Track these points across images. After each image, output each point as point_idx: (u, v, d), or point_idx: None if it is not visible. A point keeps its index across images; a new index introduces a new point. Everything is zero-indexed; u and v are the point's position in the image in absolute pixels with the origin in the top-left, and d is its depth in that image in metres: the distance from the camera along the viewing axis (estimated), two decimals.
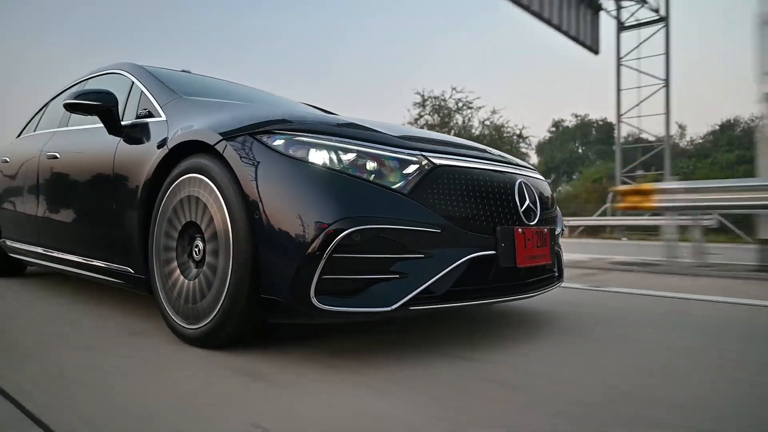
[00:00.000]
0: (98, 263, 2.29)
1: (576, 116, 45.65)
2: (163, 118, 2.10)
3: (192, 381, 1.39)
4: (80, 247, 2.46)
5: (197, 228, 1.76)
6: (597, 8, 15.43)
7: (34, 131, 3.41)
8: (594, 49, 16.26)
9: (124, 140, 2.21)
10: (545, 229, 1.97)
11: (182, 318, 1.76)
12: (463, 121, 23.59)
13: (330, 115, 2.61)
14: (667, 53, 15.74)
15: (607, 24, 20.83)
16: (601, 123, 43.50)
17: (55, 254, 2.68)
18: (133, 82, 2.47)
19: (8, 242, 3.27)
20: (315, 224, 1.48)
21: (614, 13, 15.89)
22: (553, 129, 46.67)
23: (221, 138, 1.69)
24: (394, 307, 1.49)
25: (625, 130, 17.86)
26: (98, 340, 1.81)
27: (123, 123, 2.29)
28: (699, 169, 21.60)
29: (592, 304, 2.81)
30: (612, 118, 17.34)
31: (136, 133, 2.17)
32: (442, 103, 23.50)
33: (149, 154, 1.99)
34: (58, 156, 2.72)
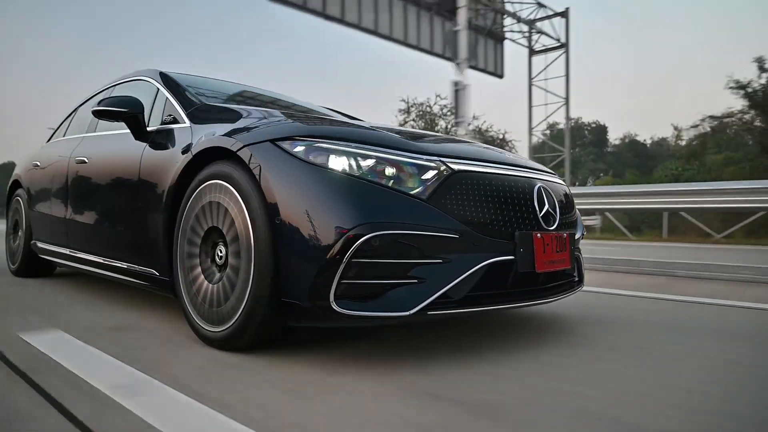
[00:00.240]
0: (124, 265, 2.35)
1: (570, 119, 47.62)
2: (187, 124, 2.15)
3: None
4: (107, 249, 2.54)
5: (220, 233, 1.80)
6: (501, 39, 17.69)
7: (64, 136, 3.52)
8: (498, 74, 18.44)
9: (149, 146, 2.27)
10: (565, 234, 1.96)
11: (205, 321, 1.80)
12: (446, 127, 24.91)
13: (352, 120, 2.64)
14: (567, 75, 18.05)
15: (518, 50, 22.88)
16: (593, 126, 45.15)
17: (83, 256, 2.76)
18: (158, 89, 2.53)
19: (39, 244, 3.38)
20: (334, 229, 1.50)
21: (524, 41, 18.28)
22: (547, 132, 49.33)
23: (243, 145, 1.73)
24: (412, 311, 1.51)
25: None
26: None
27: (149, 129, 2.36)
28: (687, 170, 21.60)
29: None
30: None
31: (162, 139, 2.23)
32: (428, 109, 25.17)
33: (174, 160, 2.05)
34: (87, 161, 2.80)
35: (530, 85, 18.82)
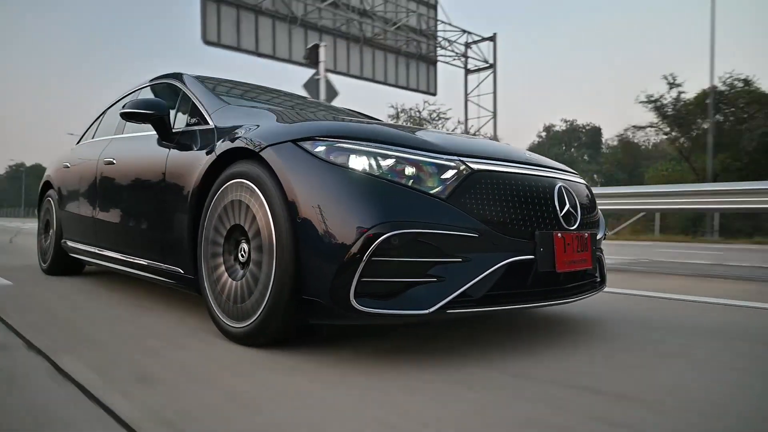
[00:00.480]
0: (151, 263, 2.41)
1: (565, 121, 48.68)
2: (211, 125, 2.20)
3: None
4: (134, 248, 2.60)
5: (243, 231, 1.84)
6: (434, 62, 19.90)
7: (93, 138, 3.62)
8: (432, 92, 20.41)
9: (175, 147, 2.32)
10: (586, 234, 1.95)
11: (228, 317, 1.83)
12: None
13: (372, 121, 2.66)
14: (494, 92, 20.49)
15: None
16: (588, 128, 46.46)
17: (111, 254, 2.84)
18: (183, 91, 2.59)
19: (69, 242, 3.48)
20: (354, 228, 1.52)
21: (459, 62, 20.84)
22: (544, 133, 50.37)
23: (266, 145, 1.76)
24: (431, 310, 1.52)
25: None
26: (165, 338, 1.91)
27: (174, 130, 2.41)
28: (676, 171, 21.76)
29: None
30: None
31: (186, 140, 2.28)
32: (417, 114, 26.82)
33: (198, 161, 2.09)
34: (115, 162, 2.88)
35: (466, 100, 21.27)
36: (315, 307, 1.61)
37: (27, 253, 5.61)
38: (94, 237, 3.06)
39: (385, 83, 18.25)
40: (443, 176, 1.64)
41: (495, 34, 20.55)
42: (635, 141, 30.71)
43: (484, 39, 20.75)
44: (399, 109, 26.96)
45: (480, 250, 1.61)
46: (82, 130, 4.01)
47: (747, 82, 20.38)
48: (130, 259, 2.62)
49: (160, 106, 2.38)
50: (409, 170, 1.63)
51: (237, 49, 14.25)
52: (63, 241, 3.58)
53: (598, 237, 2.17)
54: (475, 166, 1.70)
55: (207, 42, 14.08)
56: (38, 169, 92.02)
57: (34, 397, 1.28)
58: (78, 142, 3.94)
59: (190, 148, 2.22)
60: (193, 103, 2.44)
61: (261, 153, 1.76)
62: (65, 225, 3.55)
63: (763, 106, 18.94)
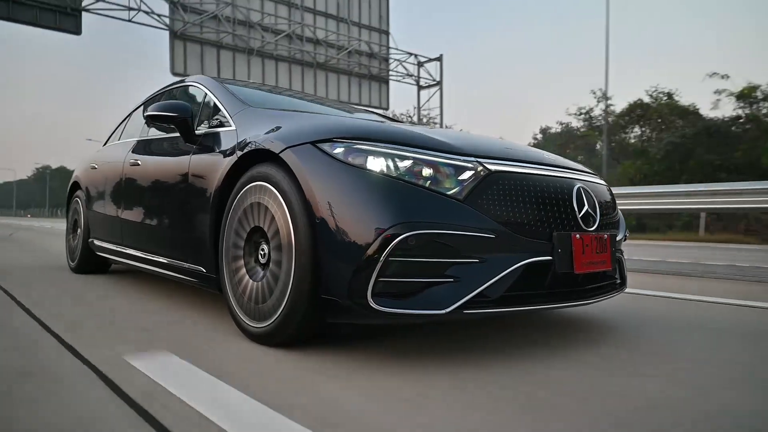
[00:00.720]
0: (174, 262, 2.47)
1: (560, 123, 50.75)
2: (233, 127, 2.24)
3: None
4: (158, 247, 2.67)
5: (263, 233, 1.87)
6: (386, 81, 22.86)
7: (119, 140, 3.71)
8: (384, 107, 22.59)
9: (198, 149, 2.38)
10: (605, 235, 1.93)
11: (249, 317, 1.87)
12: None
13: (391, 122, 2.68)
14: (441, 106, 23.73)
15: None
16: (583, 130, 48.23)
17: (136, 253, 2.91)
18: (206, 94, 2.64)
19: (96, 242, 3.57)
20: (372, 229, 1.54)
21: (410, 80, 24.09)
22: (540, 135, 51.47)
23: (285, 147, 1.79)
24: (448, 310, 1.53)
25: None
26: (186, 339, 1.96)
27: (197, 132, 2.46)
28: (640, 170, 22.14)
29: None
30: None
31: (209, 142, 2.33)
32: (409, 120, 29.04)
33: (220, 162, 2.14)
34: (140, 163, 2.95)
35: (419, 114, 24.74)
36: (333, 306, 1.63)
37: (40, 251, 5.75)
38: (120, 236, 3.14)
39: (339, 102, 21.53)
40: (460, 177, 1.65)
41: (441, 55, 23.90)
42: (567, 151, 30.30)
43: (431, 59, 23.91)
44: (392, 116, 28.85)
45: (497, 250, 1.62)
46: (102, 134, 4.13)
47: (670, 95, 22.78)
48: (154, 257, 2.68)
49: (184, 108, 2.43)
50: (427, 171, 1.64)
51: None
52: (90, 240, 3.68)
53: (618, 238, 2.15)
54: (492, 167, 1.70)
55: (174, 73, 16.53)
56: (63, 172, 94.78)
57: None
58: (105, 144, 4.05)
59: (212, 150, 2.27)
60: (215, 105, 2.49)
61: (280, 155, 1.79)
62: (92, 224, 3.65)
63: (677, 118, 21.77)
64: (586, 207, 1.89)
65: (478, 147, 1.82)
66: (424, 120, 24.66)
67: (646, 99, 22.61)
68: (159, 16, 16.80)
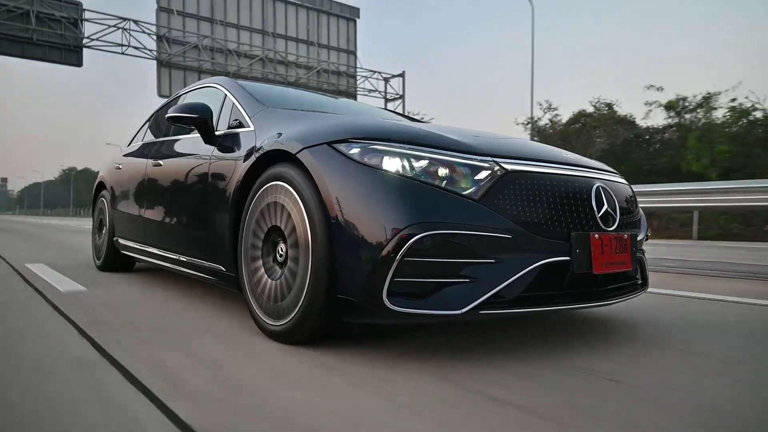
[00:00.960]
0: (195, 261, 2.51)
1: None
2: (252, 128, 2.27)
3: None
4: (179, 246, 2.71)
5: (280, 232, 1.89)
6: (354, 96, 24.82)
7: (142, 141, 3.78)
8: None
9: (218, 149, 2.41)
10: (625, 235, 1.90)
11: (267, 315, 1.89)
12: None
13: (409, 122, 2.67)
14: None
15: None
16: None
17: (158, 252, 2.97)
18: (226, 95, 2.68)
19: (120, 240, 3.65)
20: (388, 229, 1.54)
21: (377, 94, 26.49)
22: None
23: (302, 147, 1.80)
24: (463, 310, 1.53)
25: None
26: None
27: (217, 133, 2.50)
28: None
29: None
30: None
31: (228, 143, 2.36)
32: None
33: (239, 162, 2.17)
34: (162, 164, 3.00)
35: None
36: (349, 306, 1.64)
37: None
38: (143, 235, 3.21)
39: None
40: (476, 177, 1.64)
41: (404, 71, 26.92)
42: None
43: (394, 76, 26.86)
44: None
45: (513, 251, 1.61)
46: (121, 138, 4.23)
47: (610, 105, 24.26)
48: (175, 256, 2.73)
49: (204, 109, 2.47)
50: (443, 171, 1.63)
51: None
52: (115, 239, 3.76)
53: (639, 238, 2.11)
54: (509, 167, 1.69)
55: (161, 95, 19.74)
56: (87, 173, 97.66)
57: None
58: (128, 144, 4.13)
59: (231, 151, 2.30)
60: (235, 106, 2.52)
61: (297, 155, 1.81)
62: (117, 223, 3.73)
63: (620, 127, 22.36)
64: (605, 206, 1.86)
65: (495, 146, 1.81)
66: None
67: (590, 109, 24.59)
68: (148, 49, 20.19)
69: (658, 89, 22.45)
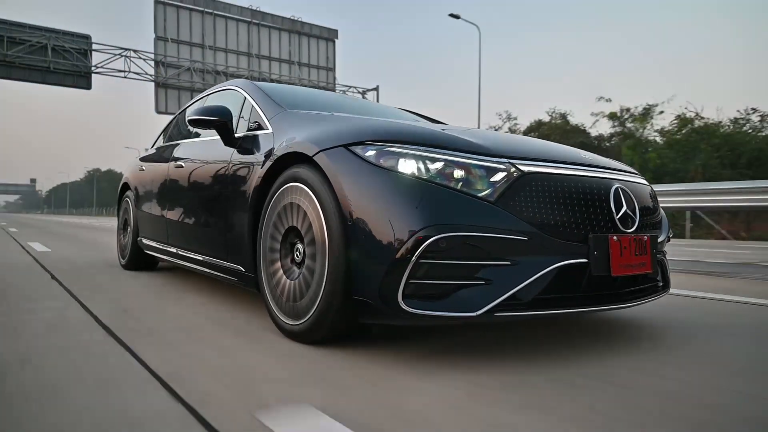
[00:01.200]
0: (215, 261, 2.55)
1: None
2: (270, 130, 2.30)
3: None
4: (200, 247, 2.76)
5: (298, 233, 1.92)
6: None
7: (164, 143, 3.86)
8: None
9: (237, 151, 2.45)
10: (645, 237, 1.88)
11: (285, 314, 1.92)
12: None
13: (427, 123, 2.67)
14: None
15: None
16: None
17: (180, 252, 3.03)
18: (245, 98, 2.72)
19: (144, 240, 3.73)
20: (403, 231, 1.55)
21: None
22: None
23: (319, 150, 1.82)
24: (479, 312, 1.53)
25: None
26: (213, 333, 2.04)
27: (236, 135, 2.54)
28: None
29: None
30: None
31: (248, 144, 2.40)
32: None
33: (258, 164, 2.20)
34: (183, 165, 3.06)
35: None
36: (365, 307, 1.65)
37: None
38: (165, 235, 3.27)
39: None
40: (492, 179, 1.64)
41: (377, 86, 29.03)
42: None
43: (369, 90, 28.80)
44: None
45: (530, 253, 1.60)
46: (139, 142, 4.34)
47: (564, 115, 26.48)
48: (196, 256, 2.78)
49: (224, 112, 2.51)
50: (458, 173, 1.63)
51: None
52: (139, 238, 3.84)
53: (660, 240, 2.08)
54: (525, 169, 1.68)
55: (158, 112, 23.20)
56: (111, 174, 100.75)
57: None
58: (152, 146, 4.22)
59: (250, 152, 2.33)
60: (254, 108, 2.56)
61: (314, 157, 1.83)
62: (141, 224, 3.81)
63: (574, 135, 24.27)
64: (624, 208, 1.84)
65: (511, 148, 1.80)
66: None
67: (546, 118, 26.86)
68: (147, 74, 23.43)
69: (607, 100, 25.24)
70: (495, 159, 1.68)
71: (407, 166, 1.64)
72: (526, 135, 25.82)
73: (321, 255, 1.75)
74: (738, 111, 21.16)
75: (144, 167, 3.90)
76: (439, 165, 1.64)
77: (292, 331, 1.87)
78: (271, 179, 2.11)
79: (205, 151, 2.87)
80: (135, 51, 23.32)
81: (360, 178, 1.69)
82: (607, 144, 24.16)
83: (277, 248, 2.02)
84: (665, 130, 21.28)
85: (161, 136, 4.10)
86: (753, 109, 19.25)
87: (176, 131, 3.74)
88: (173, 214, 3.14)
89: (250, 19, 25.52)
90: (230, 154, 2.48)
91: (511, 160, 1.69)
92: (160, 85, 23.32)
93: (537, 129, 26.43)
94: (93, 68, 22.48)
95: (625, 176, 2.04)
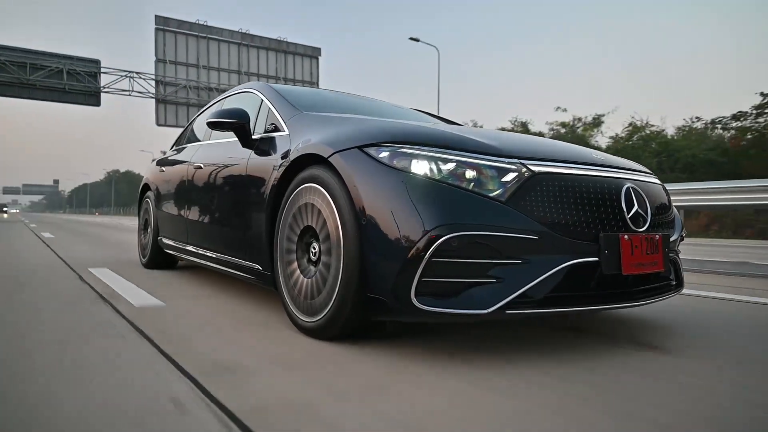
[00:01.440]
0: (233, 260, 2.62)
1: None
2: (286, 132, 2.35)
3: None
4: (219, 246, 2.83)
5: (313, 232, 1.97)
6: None
7: (184, 144, 3.94)
8: None
9: (255, 152, 2.51)
10: (657, 236, 1.89)
11: (301, 312, 1.97)
12: None
13: (443, 124, 2.70)
14: None
15: None
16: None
17: (199, 251, 3.10)
18: (262, 100, 2.78)
19: (164, 239, 3.82)
20: (416, 230, 1.59)
21: None
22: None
23: (334, 151, 1.87)
24: (490, 310, 1.56)
25: None
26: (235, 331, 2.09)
27: (254, 137, 2.60)
28: None
29: None
30: None
31: (265, 146, 2.45)
32: None
33: (275, 165, 2.25)
34: (202, 166, 3.13)
35: None
36: (379, 304, 1.70)
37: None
38: (185, 235, 3.35)
39: None
40: (503, 179, 1.67)
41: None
42: None
43: None
44: None
45: (540, 252, 1.63)
46: (155, 146, 4.46)
47: (524, 124, 27.87)
48: (216, 255, 2.85)
49: (242, 114, 2.57)
50: (470, 174, 1.67)
51: (177, 126, 24.88)
52: (159, 238, 3.93)
53: (672, 239, 2.09)
54: (536, 169, 1.71)
55: (159, 124, 26.72)
56: (129, 175, 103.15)
57: None
58: (171, 148, 4.31)
59: (267, 154, 2.39)
60: (270, 111, 2.61)
61: (329, 159, 1.88)
62: (161, 223, 3.90)
63: None
64: (635, 207, 1.86)
65: (522, 148, 1.82)
66: None
67: (509, 127, 28.03)
68: (149, 92, 26.67)
69: (563, 110, 28.56)
70: (506, 159, 1.71)
71: (420, 167, 1.68)
72: None
73: (336, 254, 1.80)
74: (684, 119, 24.41)
75: (164, 168, 3.99)
76: (451, 165, 1.68)
77: (308, 328, 1.92)
78: (287, 180, 2.17)
79: (223, 152, 2.94)
80: (138, 73, 26.76)
81: (374, 178, 1.73)
82: None
83: (294, 248, 2.07)
84: (618, 136, 23.75)
85: (180, 138, 4.19)
86: (697, 117, 22.69)
87: (196, 133, 3.83)
88: (192, 214, 3.21)
89: (240, 41, 28.80)
90: (248, 155, 2.54)
91: (522, 161, 1.72)
92: (160, 101, 26.63)
93: None
94: (102, 88, 25.96)
95: (637, 176, 2.05)
